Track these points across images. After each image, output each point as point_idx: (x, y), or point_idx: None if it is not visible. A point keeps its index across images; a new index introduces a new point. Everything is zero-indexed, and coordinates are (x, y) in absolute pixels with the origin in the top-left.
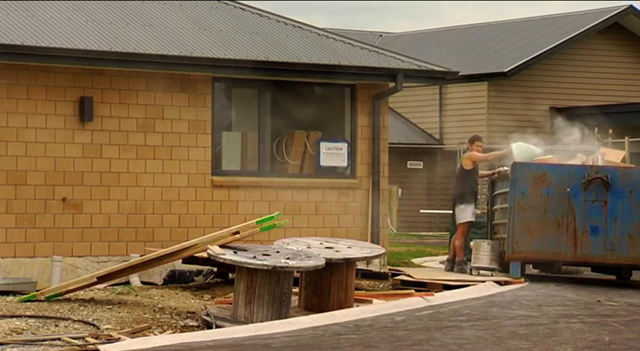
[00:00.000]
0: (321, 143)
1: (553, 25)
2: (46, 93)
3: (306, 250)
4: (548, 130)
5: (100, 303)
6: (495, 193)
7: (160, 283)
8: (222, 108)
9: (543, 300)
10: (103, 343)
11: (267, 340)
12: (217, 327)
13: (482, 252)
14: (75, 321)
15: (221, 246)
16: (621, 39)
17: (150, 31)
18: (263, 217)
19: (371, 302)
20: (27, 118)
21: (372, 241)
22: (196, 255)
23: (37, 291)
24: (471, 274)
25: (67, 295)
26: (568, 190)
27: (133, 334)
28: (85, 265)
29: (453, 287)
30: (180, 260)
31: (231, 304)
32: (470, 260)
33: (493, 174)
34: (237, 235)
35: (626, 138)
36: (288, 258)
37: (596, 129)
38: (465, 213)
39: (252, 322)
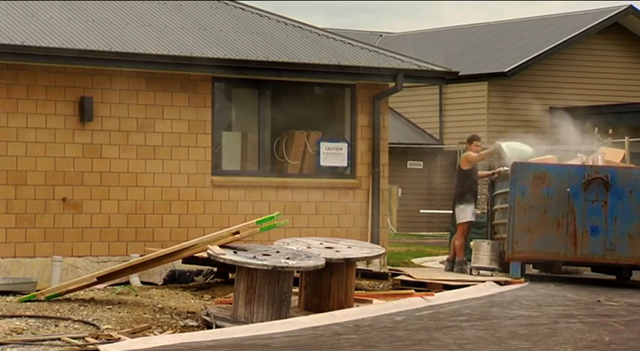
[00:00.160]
0: (321, 143)
1: (553, 25)
2: (46, 93)
3: (306, 250)
4: (548, 130)
5: (100, 303)
6: (495, 193)
7: (160, 283)
8: (222, 108)
9: (543, 300)
10: (103, 343)
11: (267, 340)
12: (217, 327)
13: (482, 252)
14: (75, 321)
15: (221, 246)
16: (621, 39)
17: (150, 31)
18: (263, 217)
19: (371, 302)
20: (27, 118)
21: (372, 241)
22: (196, 255)
23: (37, 291)
24: (471, 274)
25: (67, 295)
26: (568, 190)
27: (133, 334)
28: (85, 265)
29: (453, 287)
30: (180, 260)
31: (231, 304)
32: (470, 260)
33: (493, 174)
34: (237, 235)
35: (626, 138)
36: (288, 258)
37: (596, 129)
38: (465, 213)
39: (252, 322)
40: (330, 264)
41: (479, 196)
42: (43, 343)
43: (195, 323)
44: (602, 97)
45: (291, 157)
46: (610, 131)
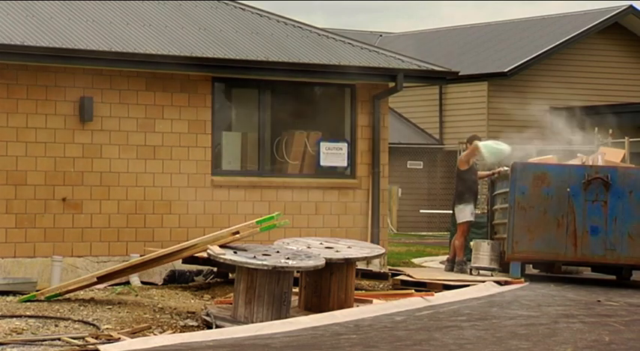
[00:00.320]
0: (321, 143)
1: (553, 25)
2: (46, 93)
3: (306, 250)
4: (548, 130)
5: (100, 303)
6: (495, 193)
7: (160, 283)
8: (222, 108)
9: (543, 300)
10: (103, 343)
11: (267, 340)
12: (217, 327)
13: (482, 252)
14: (75, 321)
15: (221, 246)
16: (621, 39)
17: (150, 31)
18: (263, 217)
19: (371, 302)
20: (27, 118)
21: (372, 241)
22: (196, 255)
23: (37, 291)
24: (471, 274)
25: (67, 295)
26: (568, 190)
27: (133, 334)
28: (85, 265)
29: (453, 287)
30: (180, 260)
31: (231, 304)
32: (470, 260)
33: (493, 174)
34: (237, 235)
35: (626, 138)
36: (288, 258)
37: (596, 129)
38: (464, 213)
39: (252, 322)
40: (330, 264)
41: (479, 196)
42: (43, 343)
43: (195, 323)
44: (602, 97)
45: (291, 157)
46: (610, 131)
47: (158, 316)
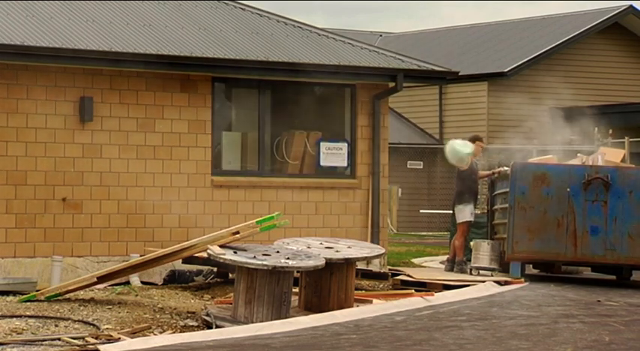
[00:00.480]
0: (321, 143)
1: (553, 25)
2: (46, 93)
3: (306, 250)
4: (548, 130)
5: (100, 303)
6: (495, 193)
7: (160, 283)
8: (222, 108)
9: (543, 300)
10: (103, 343)
11: (267, 340)
12: (217, 327)
13: (483, 252)
14: (75, 321)
15: (221, 246)
16: (621, 39)
17: (150, 31)
18: (263, 217)
19: (371, 302)
20: (27, 118)
21: (372, 241)
22: (196, 255)
23: (37, 291)
24: (471, 274)
25: (67, 295)
26: (568, 190)
27: (133, 334)
28: (85, 265)
29: (453, 287)
30: (180, 260)
31: (231, 304)
32: (470, 260)
33: (493, 174)
34: (237, 235)
35: (626, 138)
36: (288, 258)
37: (596, 129)
38: (464, 213)
39: (252, 322)
40: (330, 264)
41: (479, 196)
42: (43, 343)
43: (195, 323)
44: (602, 97)
45: (291, 157)
46: (610, 131)
47: (158, 316)
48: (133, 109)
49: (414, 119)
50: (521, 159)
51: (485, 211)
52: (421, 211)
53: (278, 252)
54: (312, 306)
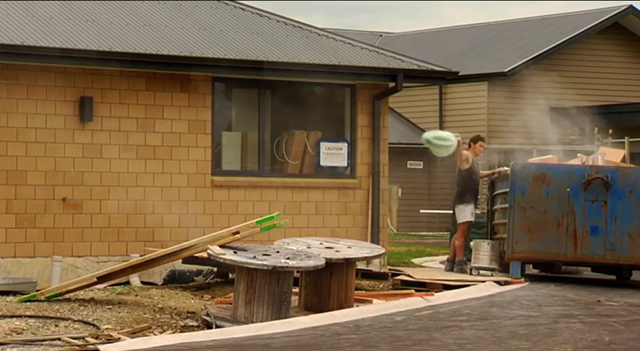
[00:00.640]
0: (321, 143)
1: (553, 25)
2: (46, 93)
3: (306, 250)
4: (548, 130)
5: (100, 303)
6: (495, 193)
7: (160, 283)
8: (222, 108)
9: (543, 300)
10: (103, 343)
11: (267, 340)
12: (217, 327)
13: (483, 252)
14: (75, 321)
15: (221, 246)
16: (621, 39)
17: (150, 31)
18: (263, 217)
19: (371, 302)
20: (27, 118)
21: (372, 241)
22: (196, 255)
23: (37, 291)
24: (471, 274)
25: (67, 295)
26: (568, 190)
27: (133, 334)
28: (85, 265)
29: (453, 287)
30: (180, 260)
31: (231, 304)
32: (470, 260)
33: (493, 174)
34: (237, 235)
35: (626, 138)
36: (288, 258)
37: (596, 129)
38: (464, 213)
39: (252, 322)
40: (330, 264)
41: (479, 196)
42: (43, 343)
43: (195, 323)
44: (602, 97)
45: (291, 157)
46: (610, 131)
47: (158, 316)
48: (133, 109)
49: (414, 119)
50: (521, 159)
51: (486, 211)
52: (421, 211)
53: (278, 252)
54: (312, 306)
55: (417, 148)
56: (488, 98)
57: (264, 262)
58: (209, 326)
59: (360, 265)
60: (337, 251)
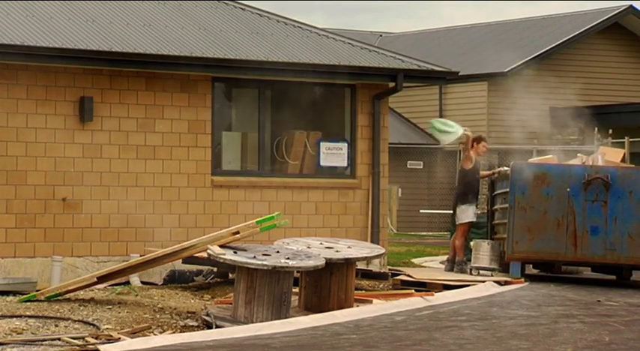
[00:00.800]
0: (321, 143)
1: (553, 25)
2: (46, 93)
3: (306, 250)
4: (548, 130)
5: (100, 303)
6: (495, 193)
7: (160, 283)
8: (222, 108)
9: (543, 300)
10: (103, 343)
11: (267, 340)
12: (217, 327)
13: (483, 252)
14: (75, 321)
15: (221, 246)
16: (621, 39)
17: (150, 31)
18: (263, 217)
19: (371, 302)
20: (27, 118)
21: (372, 241)
22: (196, 255)
23: (37, 291)
24: (471, 274)
25: (67, 295)
26: (568, 190)
27: (133, 334)
28: (85, 265)
29: (453, 287)
30: (180, 260)
31: (231, 304)
32: (470, 260)
33: (493, 174)
34: (237, 235)
35: (626, 138)
36: (288, 258)
37: (596, 129)
38: (467, 213)
39: (252, 322)
40: (330, 264)
41: (479, 196)
42: (43, 343)
43: (195, 323)
44: (602, 97)
45: (291, 157)
46: (610, 131)
47: (158, 316)
48: (133, 109)
49: (414, 119)
50: (520, 159)
51: (485, 211)
52: (421, 211)
53: (278, 252)
54: (312, 306)
55: (417, 148)
56: (488, 98)
57: (264, 262)
58: (209, 326)
59: (360, 265)
60: (337, 251)
